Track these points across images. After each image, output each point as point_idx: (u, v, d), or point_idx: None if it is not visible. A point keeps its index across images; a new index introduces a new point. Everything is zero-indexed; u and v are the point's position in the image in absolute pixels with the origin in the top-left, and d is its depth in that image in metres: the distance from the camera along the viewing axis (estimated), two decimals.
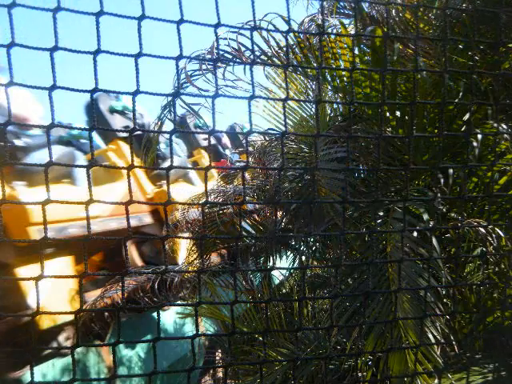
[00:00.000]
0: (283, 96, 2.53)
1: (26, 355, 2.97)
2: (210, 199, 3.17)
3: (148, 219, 4.60)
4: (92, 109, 1.13)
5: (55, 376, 3.36)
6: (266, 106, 2.80)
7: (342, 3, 2.81)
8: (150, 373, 1.07)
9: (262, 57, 2.43)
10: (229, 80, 2.44)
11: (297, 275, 3.68)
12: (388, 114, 2.51)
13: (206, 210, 3.23)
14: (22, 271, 3.22)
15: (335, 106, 2.87)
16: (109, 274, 3.89)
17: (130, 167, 0.99)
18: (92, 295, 3.84)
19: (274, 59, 2.46)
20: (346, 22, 2.70)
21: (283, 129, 1.13)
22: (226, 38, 2.36)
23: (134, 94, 0.95)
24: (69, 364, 3.48)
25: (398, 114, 2.51)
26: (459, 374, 1.96)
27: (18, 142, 3.55)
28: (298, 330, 1.48)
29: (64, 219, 3.41)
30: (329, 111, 2.83)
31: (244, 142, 6.18)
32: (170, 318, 4.60)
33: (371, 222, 2.41)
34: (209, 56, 2.35)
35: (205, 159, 6.96)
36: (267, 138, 3.34)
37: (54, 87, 0.88)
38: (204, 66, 2.40)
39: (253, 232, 3.55)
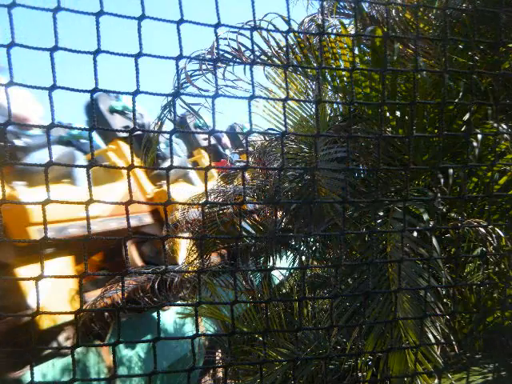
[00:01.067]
0: (283, 96, 2.53)
1: (26, 355, 2.96)
2: (210, 199, 3.17)
3: (148, 219, 4.60)
4: (92, 109, 1.13)
5: (55, 376, 3.36)
6: (265, 106, 2.80)
7: (342, 3, 2.81)
8: (150, 373, 1.07)
9: (262, 57, 2.43)
10: (229, 80, 2.44)
11: (297, 275, 3.68)
12: (388, 114, 2.51)
13: (206, 210, 3.23)
14: (22, 271, 3.22)
15: (335, 105, 2.87)
16: (109, 274, 3.89)
17: (130, 167, 0.99)
18: (92, 295, 3.84)
19: (274, 59, 2.46)
20: (346, 22, 2.71)
21: (283, 129, 1.13)
22: (226, 38, 2.36)
23: (134, 94, 0.95)
24: (69, 364, 3.48)
25: (398, 114, 2.51)
26: (459, 374, 1.96)
27: (18, 142, 3.55)
28: (298, 330, 1.48)
29: (64, 219, 3.41)
30: (329, 111, 2.83)
31: (244, 141, 6.18)
32: (170, 318, 4.60)
33: (371, 222, 2.41)
34: (209, 56, 2.35)
35: (205, 159, 6.96)
36: (267, 138, 3.34)
37: (53, 87, 0.88)
38: (204, 66, 2.40)
39: (253, 232, 3.55)
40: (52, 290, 3.30)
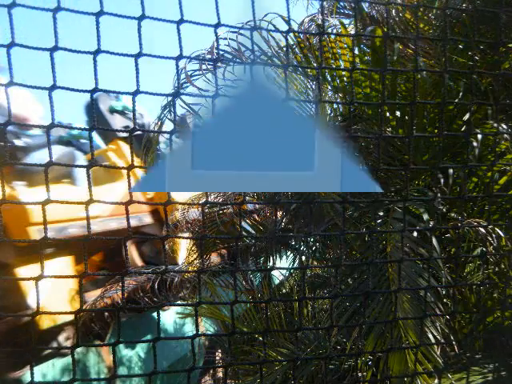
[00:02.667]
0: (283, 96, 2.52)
1: (26, 355, 2.96)
2: (210, 199, 3.17)
3: (148, 219, 4.59)
4: (92, 109, 1.13)
5: (55, 376, 3.36)
6: None
7: (342, 3, 2.81)
8: (150, 373, 1.07)
9: (262, 57, 2.43)
10: (229, 80, 2.44)
11: (297, 275, 3.68)
12: (388, 114, 2.51)
13: (206, 210, 3.23)
14: (22, 271, 3.22)
15: (335, 105, 2.86)
16: (109, 274, 3.89)
17: (130, 167, 0.99)
18: (92, 295, 3.84)
19: (274, 59, 2.45)
20: (346, 22, 2.71)
21: None
22: (226, 38, 2.36)
23: (134, 94, 0.95)
24: (69, 364, 3.48)
25: (398, 114, 2.51)
26: (459, 374, 1.96)
27: (18, 142, 3.55)
28: (298, 330, 1.48)
29: (64, 219, 3.41)
30: (329, 111, 2.83)
31: None
32: (170, 318, 4.60)
33: (371, 222, 2.41)
34: (209, 56, 2.35)
35: None
36: None
37: (53, 87, 0.88)
38: (204, 66, 2.40)
39: (253, 232, 3.55)
40: (52, 290, 3.30)
